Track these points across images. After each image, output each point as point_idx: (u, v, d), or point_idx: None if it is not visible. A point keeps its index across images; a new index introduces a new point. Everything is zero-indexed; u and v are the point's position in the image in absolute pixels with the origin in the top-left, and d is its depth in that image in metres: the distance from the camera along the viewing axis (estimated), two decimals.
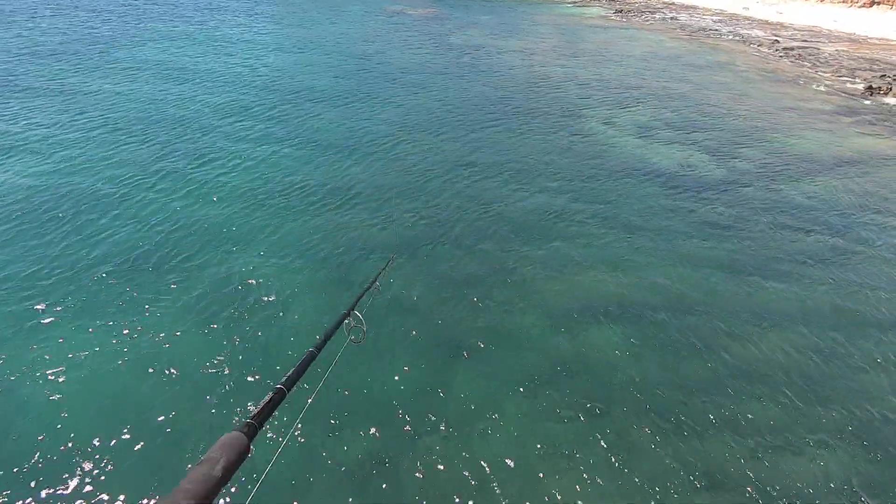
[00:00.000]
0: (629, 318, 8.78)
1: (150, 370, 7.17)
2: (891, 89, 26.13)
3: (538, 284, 9.48)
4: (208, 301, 8.48)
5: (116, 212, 10.87)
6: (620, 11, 50.05)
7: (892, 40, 40.53)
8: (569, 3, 57.62)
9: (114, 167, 12.80)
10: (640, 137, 17.49)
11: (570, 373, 7.60)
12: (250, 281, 9.00)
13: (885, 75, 28.69)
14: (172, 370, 7.19)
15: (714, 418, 7.04)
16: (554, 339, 8.22)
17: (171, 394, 6.83)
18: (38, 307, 8.11)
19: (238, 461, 1.52)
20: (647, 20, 46.54)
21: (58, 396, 6.70)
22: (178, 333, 7.79)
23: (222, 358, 7.43)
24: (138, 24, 30.49)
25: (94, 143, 14.09)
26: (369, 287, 3.83)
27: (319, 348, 2.34)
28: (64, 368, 7.09)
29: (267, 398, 1.81)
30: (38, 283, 8.64)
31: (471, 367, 7.59)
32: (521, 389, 7.28)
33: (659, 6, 54.99)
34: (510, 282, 9.49)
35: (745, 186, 14.19)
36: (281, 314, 8.32)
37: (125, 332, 7.75)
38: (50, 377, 6.96)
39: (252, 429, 1.65)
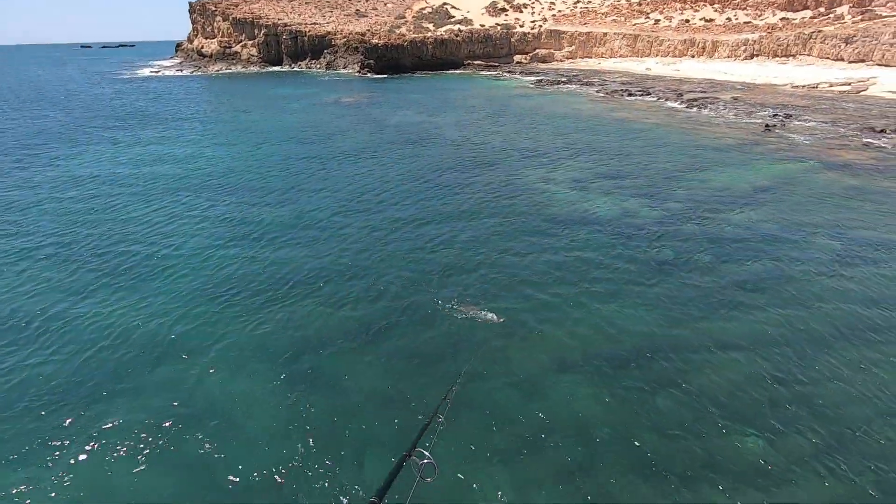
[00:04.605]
0: (594, 369, 8.66)
1: None
2: (784, 124, 29.39)
3: (499, 350, 9.27)
4: (159, 430, 7.66)
5: (46, 335, 9.93)
6: (539, 82, 54.66)
7: (774, 84, 46.27)
8: (489, 76, 62.58)
9: (45, 286, 11.89)
10: (578, 190, 18.42)
11: (547, 436, 7.25)
12: (210, 395, 8.26)
13: (776, 114, 32.36)
14: None
15: (694, 459, 6.83)
16: (525, 404, 7.90)
17: None
18: None
19: None
20: (564, 88, 50.96)
21: None
22: (126, 473, 6.90)
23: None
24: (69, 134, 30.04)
25: (32, 259, 13.15)
26: (430, 421, 3.49)
27: (381, 496, 2.20)
28: None
29: None
30: None
31: (445, 447, 7.10)
32: (503, 462, 6.84)
33: (572, 74, 60.56)
34: (469, 350, 9.23)
35: (679, 225, 15.01)
36: (243, 439, 7.60)
37: (59, 475, 6.78)
38: None
39: None
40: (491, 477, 6.63)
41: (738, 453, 6.95)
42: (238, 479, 6.60)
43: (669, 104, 38.66)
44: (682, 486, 6.45)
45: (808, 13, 60.57)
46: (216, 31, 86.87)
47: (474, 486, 6.51)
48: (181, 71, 77.52)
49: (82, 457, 6.97)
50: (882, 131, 26.74)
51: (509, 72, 67.33)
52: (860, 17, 53.03)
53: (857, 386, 8.18)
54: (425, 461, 2.79)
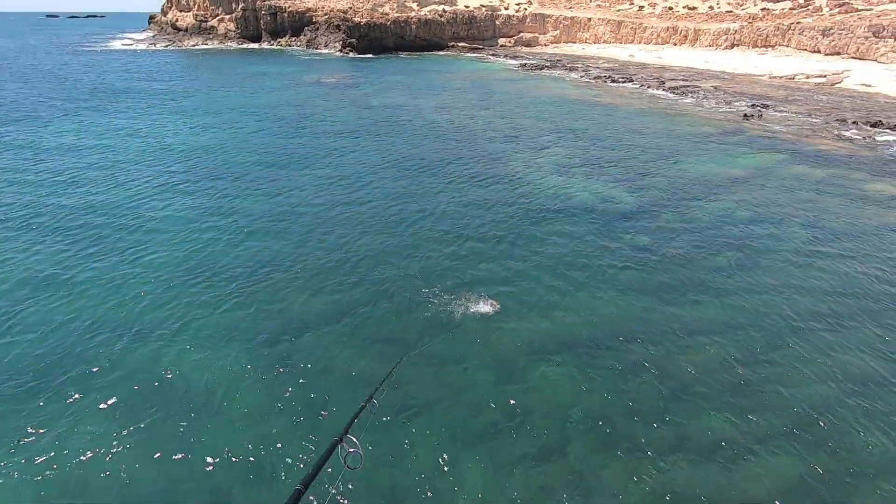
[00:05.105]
0: (570, 354, 8.79)
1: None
2: (761, 115, 29.89)
3: (479, 335, 9.33)
4: (130, 410, 7.52)
5: (9, 313, 9.60)
6: (524, 66, 54.29)
7: (753, 75, 46.89)
8: (472, 59, 61.87)
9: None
10: (558, 174, 18.48)
11: (524, 419, 7.38)
12: (182, 377, 8.13)
13: (755, 104, 32.86)
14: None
15: (666, 439, 7.05)
16: (503, 389, 7.99)
17: None
18: None
19: None
20: (548, 73, 50.74)
21: None
22: (104, 452, 6.78)
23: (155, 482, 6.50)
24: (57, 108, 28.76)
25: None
26: (364, 406, 3.31)
27: (307, 485, 2.08)
28: None
29: None
30: None
31: (426, 432, 7.16)
32: (481, 446, 6.94)
33: (556, 59, 60.30)
34: (451, 335, 9.28)
35: (657, 212, 15.22)
36: (221, 417, 7.52)
37: (38, 459, 6.62)
38: None
39: None
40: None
41: (704, 433, 7.19)
42: (197, 459, 6.57)
43: (652, 91, 38.88)
44: (650, 465, 6.65)
45: (788, 4, 61.27)
46: (192, 3, 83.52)
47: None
48: (154, 45, 74.59)
49: (49, 440, 6.82)
50: (854, 123, 27.44)
51: (493, 55, 66.65)
52: (838, 10, 53.91)
53: (819, 370, 8.50)
54: (352, 450, 2.69)
